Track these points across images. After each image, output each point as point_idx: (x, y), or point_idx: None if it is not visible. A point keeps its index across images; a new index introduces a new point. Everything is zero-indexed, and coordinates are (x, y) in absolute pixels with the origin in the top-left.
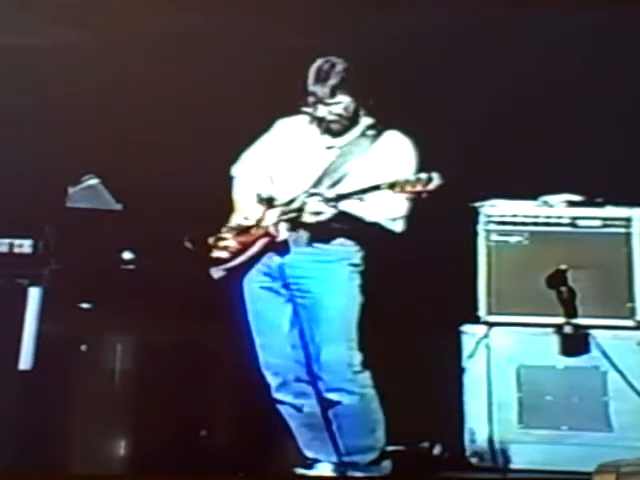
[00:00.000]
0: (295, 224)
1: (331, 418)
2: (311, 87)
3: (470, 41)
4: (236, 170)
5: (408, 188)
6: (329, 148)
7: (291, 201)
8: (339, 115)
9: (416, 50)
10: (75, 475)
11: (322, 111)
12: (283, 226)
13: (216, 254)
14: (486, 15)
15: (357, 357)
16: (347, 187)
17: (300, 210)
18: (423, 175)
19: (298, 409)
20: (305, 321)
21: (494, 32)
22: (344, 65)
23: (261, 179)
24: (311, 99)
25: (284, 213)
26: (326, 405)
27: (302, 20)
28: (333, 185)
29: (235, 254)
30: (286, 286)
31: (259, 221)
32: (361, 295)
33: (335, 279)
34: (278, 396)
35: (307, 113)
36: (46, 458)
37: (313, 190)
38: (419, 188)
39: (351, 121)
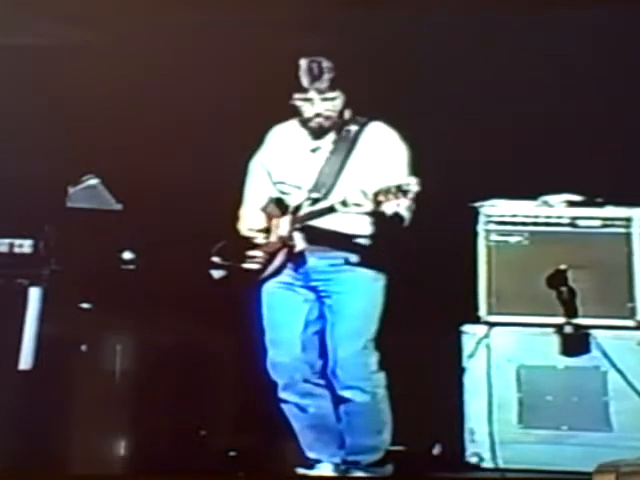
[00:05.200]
0: (309, 232)
1: (342, 415)
2: (309, 85)
3: (469, 40)
4: (247, 181)
5: (390, 197)
6: (314, 150)
7: (297, 208)
8: (333, 110)
9: (415, 49)
10: (75, 475)
11: (318, 107)
12: (298, 235)
13: (247, 266)
14: (485, 13)
15: (374, 357)
16: (339, 191)
17: (329, 210)
18: (402, 183)
19: (303, 409)
20: (327, 321)
21: (494, 31)
22: (329, 63)
23: (267, 187)
24: (310, 95)
25: (295, 221)
26: (338, 402)
27: (298, 20)
28: (329, 189)
29: (264, 264)
30: (309, 287)
31: (275, 230)
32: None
33: (359, 279)
34: (283, 395)
35: (300, 113)
36: (46, 458)
37: (314, 195)
38: (400, 197)
39: (340, 118)
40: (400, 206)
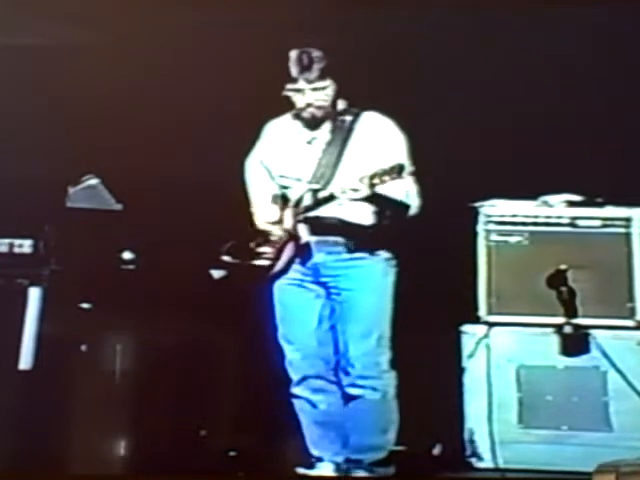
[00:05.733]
0: (314, 223)
1: (350, 413)
2: (298, 75)
3: (470, 40)
4: (246, 175)
5: (385, 178)
6: (309, 142)
7: (299, 201)
8: (324, 100)
9: (415, 49)
10: (75, 475)
11: (309, 97)
12: (302, 227)
13: (257, 262)
14: (486, 11)
15: (386, 355)
16: (338, 181)
17: (329, 199)
18: (395, 164)
19: (313, 405)
20: (338, 318)
21: (493, 30)
22: (319, 53)
23: (268, 181)
24: (300, 85)
25: (297, 214)
26: (349, 400)
27: (298, 20)
28: (328, 179)
29: (273, 259)
30: (319, 283)
31: (279, 223)
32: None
33: (368, 275)
34: (296, 390)
35: (292, 104)
36: (46, 458)
37: (314, 186)
38: (394, 177)
39: (332, 108)
40: (399, 188)
